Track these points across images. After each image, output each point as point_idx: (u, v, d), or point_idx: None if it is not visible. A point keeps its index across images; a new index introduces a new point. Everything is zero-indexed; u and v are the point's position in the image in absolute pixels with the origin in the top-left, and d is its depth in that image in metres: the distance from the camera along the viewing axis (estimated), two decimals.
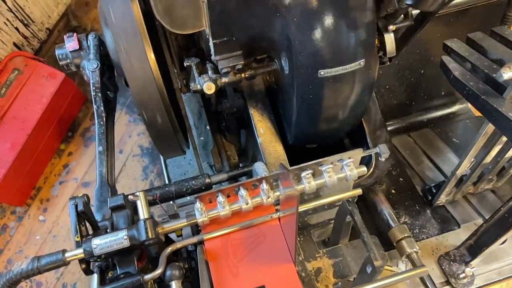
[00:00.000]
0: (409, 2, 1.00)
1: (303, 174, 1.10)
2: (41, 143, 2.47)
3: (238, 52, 1.26)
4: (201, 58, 1.42)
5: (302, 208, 1.14)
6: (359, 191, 1.15)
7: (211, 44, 1.22)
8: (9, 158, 2.25)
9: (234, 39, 1.21)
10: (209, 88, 1.29)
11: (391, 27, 1.22)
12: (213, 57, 1.26)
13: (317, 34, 1.11)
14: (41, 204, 2.52)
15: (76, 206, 1.07)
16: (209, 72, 1.33)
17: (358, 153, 1.17)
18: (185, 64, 1.43)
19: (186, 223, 1.08)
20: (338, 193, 1.15)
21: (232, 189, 1.10)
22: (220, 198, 1.07)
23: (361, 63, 1.17)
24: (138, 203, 1.05)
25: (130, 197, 1.07)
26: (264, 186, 1.09)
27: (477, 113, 1.96)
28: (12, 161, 2.25)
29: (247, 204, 1.07)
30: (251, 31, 1.21)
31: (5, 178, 2.23)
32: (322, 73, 1.16)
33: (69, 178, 2.58)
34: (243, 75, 1.33)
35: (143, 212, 1.04)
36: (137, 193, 1.06)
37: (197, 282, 1.08)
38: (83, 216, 1.07)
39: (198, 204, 1.07)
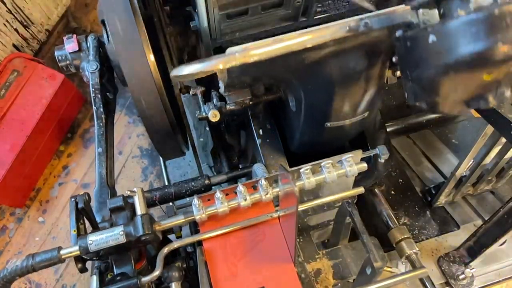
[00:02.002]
0: (424, 107, 0.99)
1: (302, 169, 1.09)
2: (41, 145, 2.47)
3: (247, 89, 1.32)
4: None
5: (302, 207, 1.13)
6: (361, 190, 1.14)
7: (221, 85, 1.25)
8: (9, 159, 2.25)
9: (245, 85, 1.28)
10: (214, 116, 1.32)
11: (398, 73, 1.25)
12: (221, 91, 1.29)
13: (329, 99, 1.16)
14: (40, 205, 2.52)
15: (77, 203, 1.07)
16: (214, 99, 1.36)
17: (358, 155, 1.17)
18: (191, 93, 1.46)
19: (183, 220, 1.06)
20: (339, 192, 1.13)
21: (231, 190, 1.10)
22: (218, 194, 1.06)
23: (365, 114, 1.24)
24: (135, 198, 1.03)
25: (127, 192, 1.05)
26: (263, 182, 1.07)
27: (476, 114, 1.96)
28: (12, 162, 2.25)
29: (245, 200, 1.05)
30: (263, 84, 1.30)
31: (5, 179, 2.23)
32: (328, 124, 1.23)
33: (68, 179, 2.58)
34: (248, 103, 1.37)
35: (139, 208, 1.02)
36: (134, 189, 1.04)
37: (196, 282, 1.07)
38: (83, 213, 1.07)
39: (196, 201, 1.05)
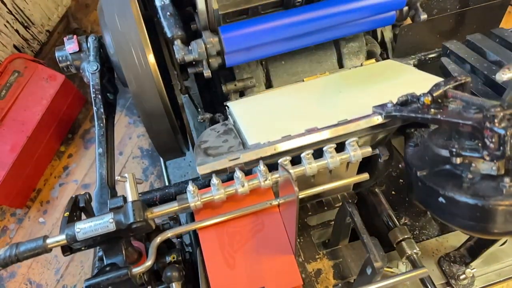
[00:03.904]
0: None
1: (303, 154, 1.04)
2: (41, 145, 2.47)
3: None
4: None
5: (303, 194, 1.07)
6: (366, 176, 1.11)
7: None
8: (9, 160, 2.25)
9: None
10: None
11: None
12: None
13: None
14: (41, 206, 2.52)
15: (77, 201, 1.05)
16: (220, 122, 1.43)
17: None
18: (199, 119, 1.57)
19: (177, 207, 1.01)
20: (344, 178, 1.11)
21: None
22: (214, 180, 1.00)
23: None
24: (126, 185, 0.99)
25: (118, 178, 1.01)
26: (261, 167, 1.02)
27: None
28: (12, 163, 2.25)
29: (243, 186, 1.00)
30: None
31: (5, 180, 2.24)
32: None
33: (69, 180, 2.58)
34: None
35: (131, 195, 0.97)
36: (125, 175, 1.00)
37: (191, 275, 1.05)
38: (84, 212, 1.06)
39: (190, 187, 1.00)
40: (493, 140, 0.81)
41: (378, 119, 1.12)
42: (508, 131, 0.79)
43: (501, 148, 0.81)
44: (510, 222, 0.85)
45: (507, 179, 0.84)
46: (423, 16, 1.46)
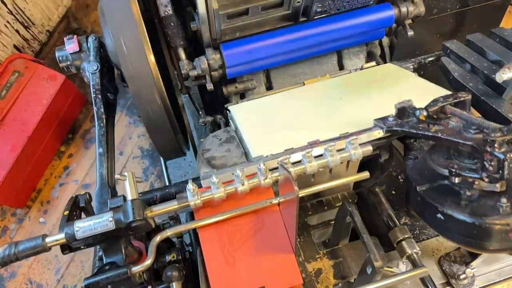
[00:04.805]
0: None
1: (303, 153, 1.05)
2: (42, 145, 2.47)
3: None
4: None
5: (303, 193, 1.06)
6: (366, 174, 1.11)
7: None
8: (10, 160, 2.26)
9: None
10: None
11: None
12: None
13: None
14: (41, 206, 2.52)
15: (77, 201, 1.05)
16: (222, 127, 1.47)
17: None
18: (200, 122, 1.62)
19: (177, 206, 1.01)
20: (345, 177, 1.10)
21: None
22: (214, 179, 1.00)
23: None
24: (126, 183, 0.99)
25: (117, 176, 1.01)
26: (261, 166, 1.01)
27: (477, 114, 1.95)
28: (13, 163, 2.26)
29: (243, 185, 1.00)
30: None
31: (6, 180, 2.24)
32: None
33: (69, 180, 2.58)
34: None
35: (130, 193, 0.97)
36: (125, 173, 1.00)
37: (192, 274, 1.05)
38: (84, 212, 1.06)
39: (190, 185, 1.00)
40: (493, 163, 0.84)
41: (379, 133, 1.14)
42: (508, 156, 0.82)
43: (500, 171, 0.84)
44: (506, 240, 0.88)
45: (504, 199, 0.86)
46: (410, 33, 1.53)
